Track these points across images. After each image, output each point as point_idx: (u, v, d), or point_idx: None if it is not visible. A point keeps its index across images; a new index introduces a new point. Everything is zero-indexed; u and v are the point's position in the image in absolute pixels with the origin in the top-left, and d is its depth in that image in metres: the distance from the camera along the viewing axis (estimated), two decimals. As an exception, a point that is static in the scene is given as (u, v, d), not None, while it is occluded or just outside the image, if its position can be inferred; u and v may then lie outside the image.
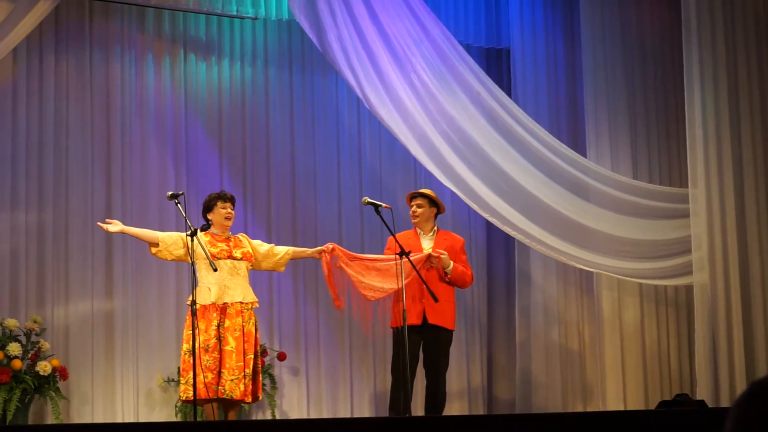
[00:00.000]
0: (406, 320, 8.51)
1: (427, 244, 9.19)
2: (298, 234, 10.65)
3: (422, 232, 9.32)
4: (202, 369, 8.18)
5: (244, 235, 8.91)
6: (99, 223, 8.61)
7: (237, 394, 8.32)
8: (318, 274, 8.81)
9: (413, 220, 9.32)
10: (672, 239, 10.67)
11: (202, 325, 8.28)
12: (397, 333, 8.97)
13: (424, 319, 9.01)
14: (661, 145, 11.43)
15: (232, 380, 8.31)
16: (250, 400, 8.57)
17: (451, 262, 9.10)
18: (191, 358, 8.22)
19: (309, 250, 9.03)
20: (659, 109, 11.47)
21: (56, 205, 9.98)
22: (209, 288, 8.43)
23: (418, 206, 9.32)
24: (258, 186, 10.71)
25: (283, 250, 8.91)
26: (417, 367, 9.09)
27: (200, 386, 8.18)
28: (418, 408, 10.17)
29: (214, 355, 8.32)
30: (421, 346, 9.10)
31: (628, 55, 11.35)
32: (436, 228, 9.37)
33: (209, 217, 8.72)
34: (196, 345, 8.12)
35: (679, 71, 10.88)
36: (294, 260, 9.23)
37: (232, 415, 8.60)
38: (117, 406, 9.93)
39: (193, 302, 8.18)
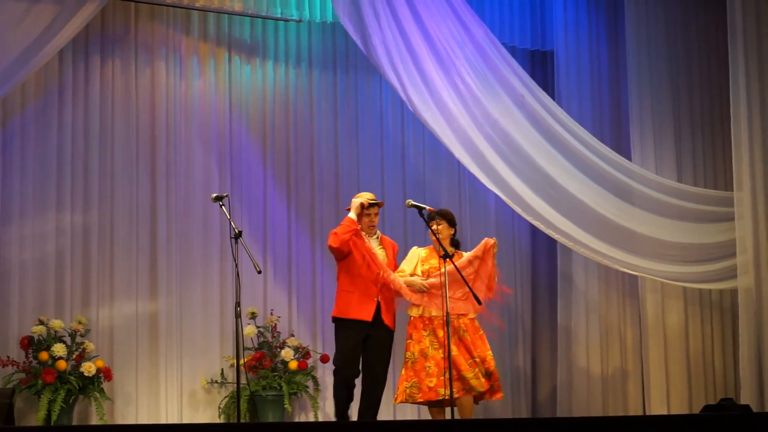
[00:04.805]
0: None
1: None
2: (342, 236, 10.63)
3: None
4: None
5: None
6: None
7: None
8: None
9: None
10: (717, 243, 10.63)
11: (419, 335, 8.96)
12: None
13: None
14: (706, 148, 11.39)
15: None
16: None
17: None
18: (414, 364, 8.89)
19: None
20: (704, 111, 11.42)
21: (101, 206, 10.04)
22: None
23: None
24: (302, 187, 10.73)
25: None
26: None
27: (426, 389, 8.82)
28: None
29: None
30: None
31: (672, 57, 11.31)
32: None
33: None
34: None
35: (724, 73, 10.83)
36: None
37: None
38: (161, 407, 9.98)
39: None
